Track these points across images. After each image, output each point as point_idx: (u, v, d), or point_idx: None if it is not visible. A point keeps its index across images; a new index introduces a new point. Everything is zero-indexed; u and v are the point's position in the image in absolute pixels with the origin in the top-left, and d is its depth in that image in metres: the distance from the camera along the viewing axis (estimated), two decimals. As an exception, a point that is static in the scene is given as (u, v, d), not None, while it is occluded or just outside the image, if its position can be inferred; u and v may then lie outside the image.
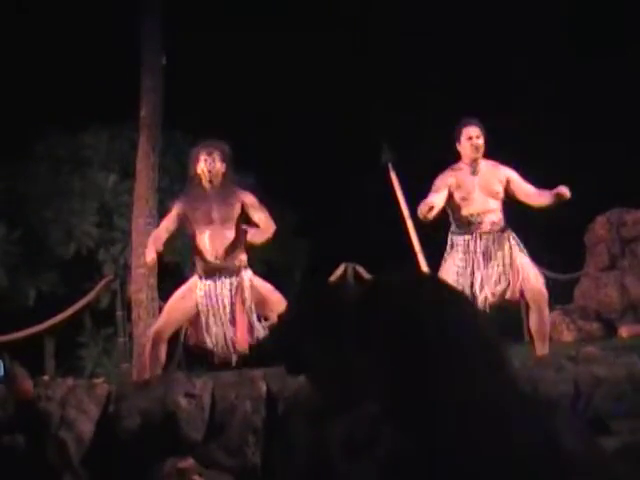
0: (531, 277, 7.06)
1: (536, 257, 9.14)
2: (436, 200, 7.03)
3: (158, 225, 8.57)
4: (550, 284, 8.67)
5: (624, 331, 8.77)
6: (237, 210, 6.90)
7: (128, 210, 9.32)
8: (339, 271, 9.77)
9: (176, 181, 10.15)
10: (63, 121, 11.04)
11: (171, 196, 9.13)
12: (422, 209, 6.97)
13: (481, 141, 7.16)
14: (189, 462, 5.79)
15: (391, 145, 8.50)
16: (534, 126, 11.33)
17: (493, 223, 7.15)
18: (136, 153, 8.90)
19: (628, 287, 9.08)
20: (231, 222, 6.86)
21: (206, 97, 11.85)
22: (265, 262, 9.93)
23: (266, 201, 8.24)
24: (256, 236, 6.75)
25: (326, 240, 11.54)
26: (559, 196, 6.94)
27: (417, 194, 8.10)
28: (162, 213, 8.76)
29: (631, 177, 9.99)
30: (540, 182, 7.38)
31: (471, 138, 7.14)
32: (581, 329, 8.93)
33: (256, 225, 6.87)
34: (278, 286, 7.06)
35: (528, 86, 11.71)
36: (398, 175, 8.55)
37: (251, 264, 7.05)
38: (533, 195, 7.16)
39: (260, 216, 6.90)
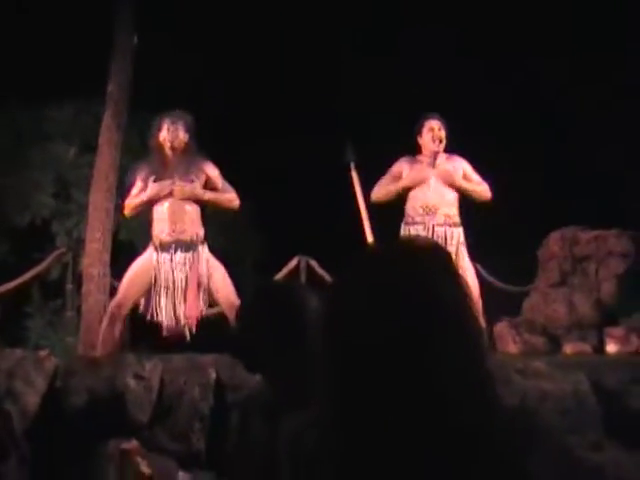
0: (470, 280, 7.13)
1: (489, 267, 9.25)
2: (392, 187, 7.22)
3: (116, 201, 8.55)
4: (500, 295, 8.79)
5: (568, 348, 8.87)
6: (200, 181, 6.85)
7: (87, 184, 9.25)
8: (292, 264, 9.77)
9: (138, 160, 10.07)
10: (29, 93, 10.91)
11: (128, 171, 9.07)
12: (377, 193, 7.18)
13: (443, 134, 7.29)
14: (133, 444, 5.75)
15: (354, 145, 8.53)
16: (494, 133, 11.42)
17: (447, 216, 7.23)
18: (100, 128, 8.82)
19: (576, 304, 9.19)
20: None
21: (174, 80, 11.77)
22: (218, 251, 9.91)
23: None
24: (217, 197, 6.80)
25: (280, 232, 11.54)
26: None
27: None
28: (121, 190, 8.70)
29: (589, 197, 10.13)
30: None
31: (432, 130, 7.28)
32: (527, 342, 9.02)
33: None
34: (230, 276, 7.05)
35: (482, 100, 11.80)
36: (360, 175, 8.58)
37: (204, 239, 6.99)
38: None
39: (223, 187, 6.91)
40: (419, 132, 7.38)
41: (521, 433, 1.39)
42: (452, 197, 7.30)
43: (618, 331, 8.82)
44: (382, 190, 7.41)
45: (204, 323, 6.95)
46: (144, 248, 7.08)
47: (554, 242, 9.54)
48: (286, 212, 11.91)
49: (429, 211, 7.23)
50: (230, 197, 6.96)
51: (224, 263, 7.07)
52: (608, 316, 9.05)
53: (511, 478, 1.34)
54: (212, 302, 6.99)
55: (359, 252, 1.49)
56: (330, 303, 1.44)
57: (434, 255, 1.43)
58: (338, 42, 12.37)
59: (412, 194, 7.34)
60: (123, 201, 7.23)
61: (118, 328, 6.69)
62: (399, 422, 1.32)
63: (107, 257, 8.41)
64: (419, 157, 7.43)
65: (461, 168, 7.37)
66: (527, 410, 1.53)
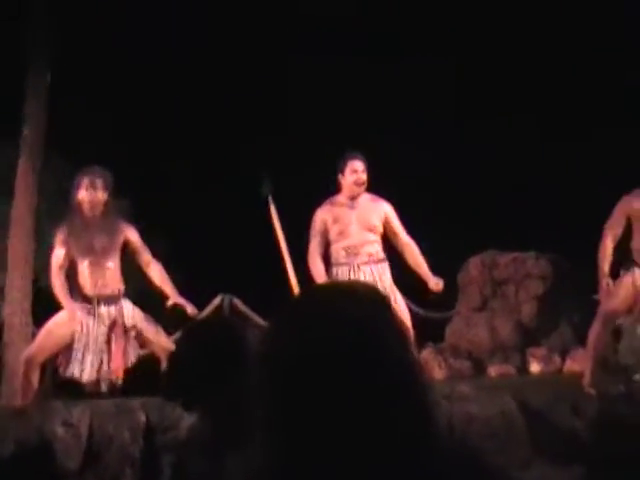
0: (403, 312, 7.19)
1: (409, 294, 9.33)
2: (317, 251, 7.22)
3: (34, 246, 8.46)
4: (423, 322, 8.87)
5: (493, 370, 8.98)
6: (119, 241, 6.88)
7: (4, 230, 9.12)
8: (215, 302, 9.75)
9: (52, 201, 9.97)
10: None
11: (47, 217, 8.98)
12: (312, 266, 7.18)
13: (364, 176, 7.29)
14: (64, 492, 5.68)
15: (271, 178, 8.55)
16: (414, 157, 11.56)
17: (370, 255, 7.27)
18: (15, 173, 8.72)
19: (498, 328, 9.32)
20: (112, 252, 6.82)
21: (84, 117, 11.70)
22: (138, 292, 9.83)
23: (139, 227, 8.19)
24: (174, 297, 6.85)
25: (200, 271, 11.49)
26: (431, 286, 7.22)
27: (296, 227, 8.18)
28: (38, 235, 8.61)
29: (506, 220, 10.30)
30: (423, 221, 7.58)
31: (356, 172, 7.25)
32: (452, 367, 9.10)
33: (140, 263, 6.90)
34: (152, 315, 7.04)
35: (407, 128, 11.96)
36: (277, 208, 8.60)
37: (125, 294, 7.01)
38: (406, 244, 7.35)
39: (147, 257, 6.94)
40: (341, 171, 7.32)
41: (465, 474, 1.41)
42: (374, 237, 7.31)
43: (540, 351, 8.96)
44: (315, 266, 7.35)
45: (132, 367, 6.90)
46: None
47: (473, 266, 9.66)
48: (205, 251, 11.89)
49: (352, 252, 7.26)
50: (163, 272, 7.04)
51: (145, 304, 7.06)
52: (529, 337, 9.19)
53: None
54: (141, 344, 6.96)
55: (299, 294, 1.51)
56: (269, 344, 1.45)
57: (374, 298, 1.45)
58: (253, 74, 12.43)
59: (335, 239, 7.32)
60: (40, 247, 7.17)
61: (35, 377, 6.60)
62: (342, 458, 1.33)
63: (28, 305, 8.31)
64: (338, 199, 7.36)
65: (383, 211, 7.38)
66: (471, 448, 1.53)
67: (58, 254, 6.80)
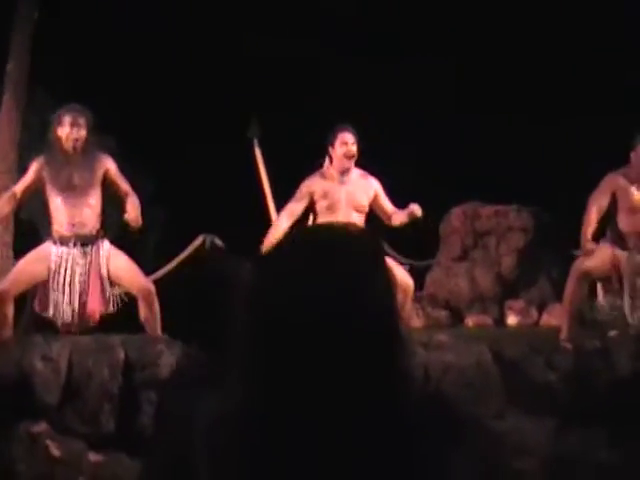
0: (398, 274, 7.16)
1: (391, 242, 9.37)
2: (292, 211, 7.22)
3: (16, 180, 8.42)
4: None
5: (470, 320, 9.06)
6: (99, 176, 6.81)
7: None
8: (197, 242, 9.75)
9: (36, 137, 9.92)
10: None
11: (29, 152, 8.92)
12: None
13: (355, 148, 7.22)
14: (42, 426, 5.72)
15: (260, 120, 8.53)
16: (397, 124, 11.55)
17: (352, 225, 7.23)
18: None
19: (477, 279, 9.37)
20: (92, 188, 6.77)
21: (70, 54, 11.59)
22: (120, 227, 9.83)
23: (124, 166, 8.15)
24: (132, 213, 6.73)
25: (183, 210, 11.48)
26: (411, 215, 7.21)
27: (280, 171, 8.18)
28: (21, 169, 8.57)
29: (489, 173, 10.31)
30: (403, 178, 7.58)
31: (346, 144, 7.17)
32: (429, 316, 9.17)
33: (119, 194, 6.86)
34: (132, 254, 7.03)
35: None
36: (263, 151, 8.60)
37: (106, 229, 6.97)
38: (391, 216, 7.36)
39: (125, 187, 6.88)
40: (331, 143, 7.19)
41: (440, 424, 1.43)
42: (359, 219, 7.18)
43: (518, 304, 9.04)
44: (297, 211, 7.34)
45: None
46: (46, 231, 7.00)
47: (456, 217, 9.69)
48: (189, 190, 11.85)
49: None
50: (137, 202, 6.92)
51: (125, 241, 7.05)
52: (508, 289, 9.25)
53: (428, 468, 1.38)
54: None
55: (292, 233, 1.51)
56: (257, 281, 1.45)
57: (362, 243, 1.46)
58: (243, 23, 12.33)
59: (322, 214, 7.23)
60: None
61: (9, 310, 6.59)
62: (318, 405, 1.34)
63: (9, 239, 8.30)
64: (329, 172, 7.29)
65: (372, 189, 7.36)
66: (445, 398, 1.54)
67: (28, 175, 6.77)
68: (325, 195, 7.22)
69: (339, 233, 1.49)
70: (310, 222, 7.33)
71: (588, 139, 10.11)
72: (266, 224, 8.50)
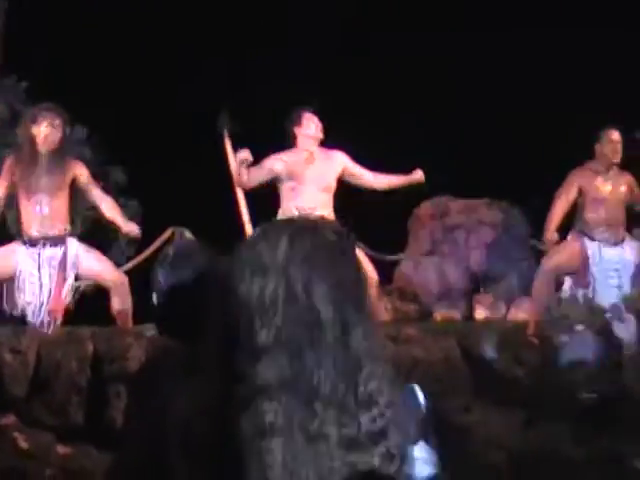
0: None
1: (360, 236, 9.38)
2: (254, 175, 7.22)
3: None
4: (372, 264, 8.92)
5: (439, 314, 9.10)
6: (68, 180, 6.83)
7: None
8: (166, 235, 9.73)
9: (4, 126, 9.88)
10: None
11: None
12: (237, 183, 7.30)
13: (320, 129, 7.25)
14: (10, 419, 5.71)
15: (231, 113, 8.51)
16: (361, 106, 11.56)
17: (322, 218, 7.24)
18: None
19: (446, 273, 9.41)
20: (61, 191, 6.78)
21: (41, 44, 11.52)
22: (91, 220, 9.80)
23: (94, 157, 8.14)
24: (127, 227, 6.80)
25: (153, 203, 11.44)
26: (414, 180, 7.24)
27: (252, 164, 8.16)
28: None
29: (458, 167, 10.35)
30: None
31: (311, 124, 7.20)
32: (398, 310, 9.18)
33: (90, 199, 6.87)
34: (103, 248, 7.03)
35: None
36: (233, 144, 8.57)
37: (76, 222, 6.98)
38: (376, 179, 7.35)
39: (96, 192, 6.91)
40: (296, 123, 7.22)
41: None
42: (327, 198, 7.23)
43: (487, 298, 9.09)
44: (257, 179, 7.34)
45: (80, 297, 6.91)
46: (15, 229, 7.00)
47: (425, 211, 9.72)
48: (158, 182, 11.81)
49: (304, 213, 7.24)
50: (115, 206, 6.99)
51: (97, 234, 7.06)
52: (477, 284, 9.30)
53: None
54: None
55: (260, 229, 1.52)
56: (229, 274, 1.46)
57: (332, 236, 1.47)
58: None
59: (286, 195, 7.26)
60: None
61: None
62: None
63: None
64: (295, 151, 7.29)
65: (339, 164, 7.34)
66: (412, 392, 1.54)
67: (3, 175, 6.75)
68: (290, 176, 7.20)
69: (310, 226, 1.51)
70: (279, 208, 7.34)
71: (558, 134, 10.17)
72: (235, 217, 8.50)
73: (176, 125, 11.60)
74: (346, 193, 7.49)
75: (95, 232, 7.30)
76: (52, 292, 6.68)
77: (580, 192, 7.28)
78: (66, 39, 11.59)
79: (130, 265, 8.98)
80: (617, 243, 7.28)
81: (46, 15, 11.39)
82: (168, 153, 11.73)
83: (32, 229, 6.69)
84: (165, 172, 11.79)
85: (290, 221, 1.60)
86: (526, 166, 10.46)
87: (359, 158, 7.54)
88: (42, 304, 6.67)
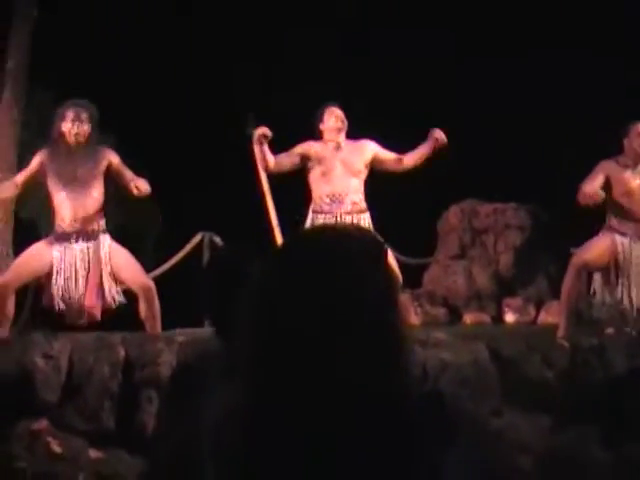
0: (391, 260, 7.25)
1: (389, 240, 9.39)
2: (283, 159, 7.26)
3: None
4: (401, 268, 8.94)
5: (468, 318, 9.09)
6: (102, 168, 6.83)
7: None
8: (195, 240, 9.79)
9: (35, 135, 9.96)
10: None
11: (29, 150, 8.95)
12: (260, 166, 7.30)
13: (344, 121, 7.33)
14: (43, 424, 5.77)
15: (257, 117, 8.55)
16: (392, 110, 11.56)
17: (354, 203, 7.30)
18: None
19: (475, 276, 9.41)
20: (95, 181, 6.80)
21: (69, 52, 11.62)
22: (119, 227, 9.87)
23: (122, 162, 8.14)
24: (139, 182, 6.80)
25: (181, 207, 11.51)
26: (436, 142, 7.20)
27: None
28: (20, 168, 8.59)
29: (487, 171, 10.35)
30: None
31: (336, 117, 7.28)
32: (428, 313, 9.20)
33: (124, 183, 6.88)
34: (132, 252, 7.07)
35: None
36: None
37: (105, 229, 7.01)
38: (405, 158, 7.37)
39: (129, 174, 6.90)
40: (320, 119, 7.30)
41: (437, 423, 1.46)
42: (357, 183, 7.34)
43: (516, 301, 9.07)
44: (284, 162, 7.38)
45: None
46: (46, 229, 7.04)
47: (453, 215, 9.72)
48: (187, 187, 11.88)
49: (336, 199, 7.28)
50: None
51: (124, 240, 7.09)
52: (506, 287, 9.29)
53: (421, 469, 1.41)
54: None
55: (293, 234, 1.55)
56: (262, 280, 1.49)
57: (365, 244, 1.49)
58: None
59: (317, 182, 7.34)
60: None
61: (10, 304, 6.62)
62: (313, 406, 1.37)
63: (9, 237, 8.33)
64: (323, 142, 7.35)
65: (368, 151, 7.39)
66: (443, 396, 1.56)
67: (31, 166, 6.83)
68: (320, 160, 7.28)
69: (343, 234, 1.52)
70: (308, 187, 7.38)
71: (586, 137, 10.14)
72: (265, 222, 8.52)
73: (202, 128, 11.66)
74: (375, 196, 7.52)
75: (125, 235, 7.32)
76: (88, 289, 6.72)
77: (607, 183, 7.19)
78: (95, 48, 11.68)
79: (159, 271, 9.04)
80: None
81: (73, 23, 11.49)
82: (195, 157, 11.79)
83: (65, 223, 6.74)
84: (194, 177, 11.86)
85: (325, 229, 1.62)
86: (554, 169, 10.43)
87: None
88: (76, 300, 6.70)
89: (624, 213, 7.20)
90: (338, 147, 7.30)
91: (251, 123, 8.37)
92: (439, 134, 7.24)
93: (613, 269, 7.19)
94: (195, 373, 2.71)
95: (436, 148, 7.28)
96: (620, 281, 7.18)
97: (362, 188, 7.37)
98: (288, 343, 1.40)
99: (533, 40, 11.42)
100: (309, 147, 7.35)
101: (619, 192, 7.18)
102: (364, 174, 7.37)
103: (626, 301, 7.19)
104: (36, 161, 6.81)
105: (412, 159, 7.37)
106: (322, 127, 7.34)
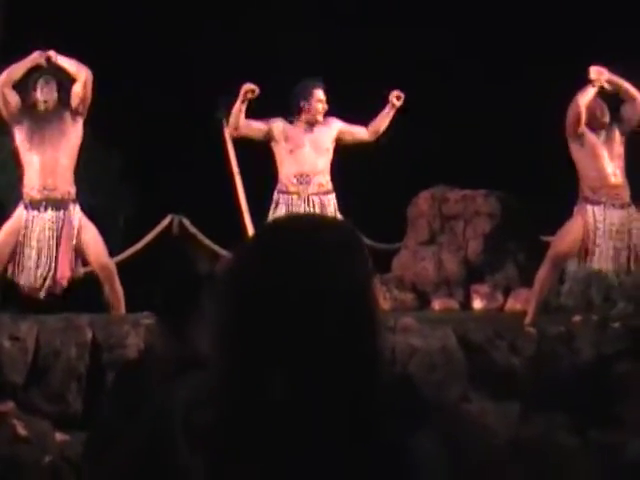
0: None
1: (358, 224, 9.38)
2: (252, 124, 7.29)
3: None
4: (370, 253, 8.94)
5: (437, 304, 9.12)
6: (69, 122, 6.87)
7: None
8: (165, 222, 9.76)
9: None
10: None
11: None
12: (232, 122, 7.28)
13: (325, 105, 7.36)
14: (9, 406, 5.73)
15: (227, 101, 8.53)
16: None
17: (320, 185, 7.32)
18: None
19: (444, 262, 9.43)
20: (65, 145, 6.80)
21: (46, 28, 11.48)
22: (87, 208, 9.81)
23: (93, 142, 8.11)
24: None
25: (152, 189, 11.43)
26: (395, 100, 7.39)
27: (248, 152, 8.19)
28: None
29: (457, 157, 10.34)
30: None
31: (321, 101, 7.29)
32: (396, 299, 9.22)
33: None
34: (101, 232, 7.03)
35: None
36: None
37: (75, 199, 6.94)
38: (369, 129, 7.47)
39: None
40: (305, 98, 7.31)
41: (406, 406, 1.46)
42: (325, 163, 7.37)
43: (484, 288, 9.11)
44: (253, 127, 7.40)
45: (78, 283, 6.91)
46: (14, 208, 6.98)
47: (423, 201, 9.74)
48: (158, 169, 11.81)
49: (303, 180, 7.28)
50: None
51: (94, 220, 7.05)
52: (474, 274, 9.32)
53: (389, 453, 1.41)
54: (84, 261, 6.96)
55: (268, 223, 1.55)
56: (234, 268, 1.49)
57: (341, 234, 1.48)
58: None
59: (285, 161, 7.34)
60: None
61: None
62: (289, 390, 1.38)
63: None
64: (296, 122, 7.37)
65: (335, 128, 7.43)
66: (412, 380, 1.56)
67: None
68: (287, 138, 7.31)
69: (318, 223, 1.53)
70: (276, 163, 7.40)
71: (558, 124, 10.18)
72: (234, 204, 8.52)
73: (176, 112, 11.59)
74: (345, 180, 7.52)
75: (95, 215, 7.25)
76: (57, 258, 6.68)
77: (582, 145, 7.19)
78: (74, 25, 11.57)
79: (127, 253, 9.00)
80: (622, 206, 7.21)
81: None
82: (166, 139, 11.73)
83: (34, 190, 6.72)
84: (164, 159, 11.79)
85: (300, 218, 1.62)
86: (525, 156, 10.46)
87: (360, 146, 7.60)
88: (43, 268, 6.66)
89: (598, 182, 7.16)
90: (309, 129, 7.31)
91: (222, 107, 8.35)
92: (396, 92, 7.45)
93: (588, 242, 7.14)
94: (146, 363, 2.70)
95: (395, 106, 7.47)
96: (596, 249, 7.12)
97: (329, 169, 7.39)
98: (263, 331, 1.40)
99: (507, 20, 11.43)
100: (280, 122, 7.36)
101: (590, 155, 7.18)
102: (331, 153, 7.40)
103: (602, 266, 7.19)
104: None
105: (377, 124, 7.46)
106: (304, 105, 7.31)
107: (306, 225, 1.52)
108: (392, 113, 7.50)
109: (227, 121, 8.28)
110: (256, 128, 7.36)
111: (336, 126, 7.44)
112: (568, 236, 7.20)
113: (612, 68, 7.22)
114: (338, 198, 7.46)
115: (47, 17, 10.76)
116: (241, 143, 8.29)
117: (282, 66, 9.98)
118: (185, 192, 10.49)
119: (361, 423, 1.39)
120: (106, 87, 11.34)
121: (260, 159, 7.61)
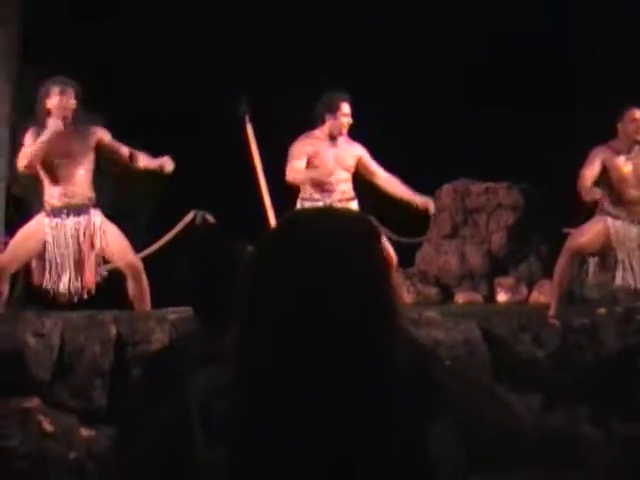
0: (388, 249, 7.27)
1: (382, 219, 9.39)
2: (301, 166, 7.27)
3: (7, 157, 8.44)
4: (393, 247, 8.95)
5: (460, 297, 9.12)
6: (91, 145, 6.80)
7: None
8: (188, 218, 9.78)
9: (25, 115, 9.93)
10: None
11: (19, 127, 8.94)
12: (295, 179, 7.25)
13: (350, 117, 7.34)
14: (34, 402, 5.76)
15: (249, 98, 8.54)
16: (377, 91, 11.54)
17: (343, 192, 7.37)
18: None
19: (467, 256, 9.43)
20: (84, 157, 6.77)
21: (60, 31, 11.54)
22: (110, 205, 9.86)
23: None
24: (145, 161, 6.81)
25: (175, 186, 11.47)
26: (421, 205, 7.39)
27: (272, 148, 8.20)
28: (12, 146, 8.59)
29: (479, 150, 10.32)
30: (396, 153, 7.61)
31: (347, 115, 7.27)
32: (420, 292, 9.23)
33: (122, 160, 6.86)
34: (123, 230, 7.05)
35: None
36: (254, 128, 8.61)
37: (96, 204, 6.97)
38: (388, 181, 7.45)
39: (125, 150, 6.87)
40: (331, 110, 7.26)
41: (424, 394, 1.47)
42: (347, 175, 7.40)
43: (508, 281, 9.10)
44: (299, 177, 7.39)
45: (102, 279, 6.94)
46: (38, 205, 7.01)
47: (446, 194, 9.73)
48: (181, 165, 11.84)
49: (326, 189, 7.32)
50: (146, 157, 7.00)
51: (116, 217, 7.07)
52: (498, 266, 9.31)
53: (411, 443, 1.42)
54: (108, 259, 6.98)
55: (287, 216, 1.56)
56: (257, 261, 1.50)
57: (358, 225, 1.50)
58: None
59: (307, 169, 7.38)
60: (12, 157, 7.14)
61: (5, 286, 6.62)
62: (307, 384, 1.39)
63: (1, 215, 8.31)
64: (316, 134, 7.36)
65: (358, 154, 7.42)
66: (431, 370, 1.56)
67: (27, 144, 6.77)
68: (315, 154, 7.32)
69: (337, 215, 1.55)
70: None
71: (579, 117, 10.14)
72: (257, 201, 8.52)
73: (196, 107, 11.62)
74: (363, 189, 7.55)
75: (118, 213, 7.29)
76: (83, 264, 6.70)
77: (602, 169, 7.23)
78: (87, 28, 11.63)
79: (153, 248, 9.04)
80: None
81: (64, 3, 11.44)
82: (189, 136, 11.76)
83: (54, 198, 6.72)
84: (187, 156, 11.83)
85: (319, 210, 1.63)
86: (547, 149, 10.42)
87: (381, 139, 7.58)
88: (70, 276, 6.69)
89: (618, 198, 7.23)
90: (332, 145, 7.33)
91: (243, 105, 8.36)
92: (430, 205, 7.47)
93: (608, 252, 7.23)
94: (173, 355, 2.70)
95: (418, 208, 7.50)
96: (619, 265, 7.20)
97: (351, 178, 7.44)
98: (283, 322, 1.41)
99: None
100: (304, 147, 7.33)
101: (613, 178, 7.22)
102: (353, 169, 7.44)
103: (625, 283, 7.22)
104: (28, 143, 6.75)
105: (393, 189, 7.45)
106: (329, 118, 7.28)
107: (324, 216, 1.55)
108: (412, 202, 7.47)
109: (249, 116, 8.29)
110: (303, 164, 7.37)
111: (360, 151, 7.46)
112: (588, 232, 7.22)
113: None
114: (361, 193, 7.48)
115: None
116: (264, 140, 8.31)
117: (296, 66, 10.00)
118: (209, 188, 10.52)
119: (379, 410, 1.40)
120: (129, 84, 11.44)
121: (284, 157, 7.61)
